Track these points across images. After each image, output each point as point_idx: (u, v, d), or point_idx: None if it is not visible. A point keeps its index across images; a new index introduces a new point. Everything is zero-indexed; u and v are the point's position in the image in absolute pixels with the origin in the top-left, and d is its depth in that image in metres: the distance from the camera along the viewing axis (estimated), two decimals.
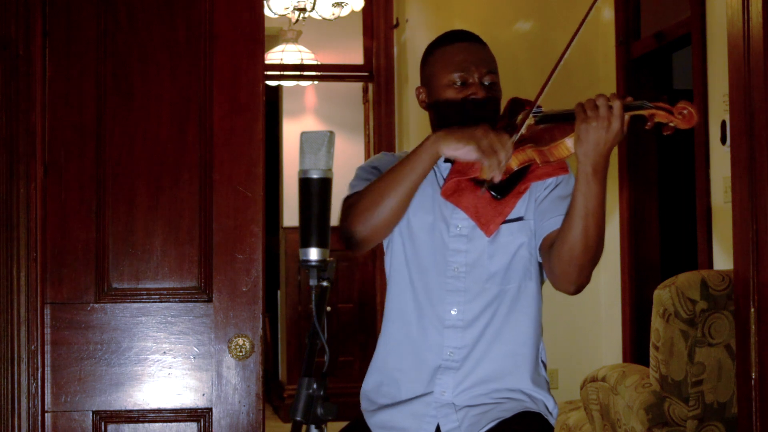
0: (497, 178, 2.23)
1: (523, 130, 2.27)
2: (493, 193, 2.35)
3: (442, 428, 2.35)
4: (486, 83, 2.43)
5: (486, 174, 2.24)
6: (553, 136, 2.24)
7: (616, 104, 2.16)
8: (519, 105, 2.40)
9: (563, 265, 2.28)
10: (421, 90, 2.51)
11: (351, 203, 2.38)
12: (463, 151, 2.23)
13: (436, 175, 2.46)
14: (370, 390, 2.50)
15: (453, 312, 2.38)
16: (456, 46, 2.45)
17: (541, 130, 2.28)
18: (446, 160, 2.43)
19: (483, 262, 2.38)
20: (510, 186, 2.36)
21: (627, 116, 2.18)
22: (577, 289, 2.32)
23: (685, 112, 2.16)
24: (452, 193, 2.39)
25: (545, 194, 2.39)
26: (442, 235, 2.41)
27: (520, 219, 2.38)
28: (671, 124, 2.17)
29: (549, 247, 2.33)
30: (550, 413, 2.40)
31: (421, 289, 2.42)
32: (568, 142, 2.22)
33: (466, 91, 2.41)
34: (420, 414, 2.37)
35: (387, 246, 2.49)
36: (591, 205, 2.21)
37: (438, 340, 2.38)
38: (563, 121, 2.25)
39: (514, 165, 2.28)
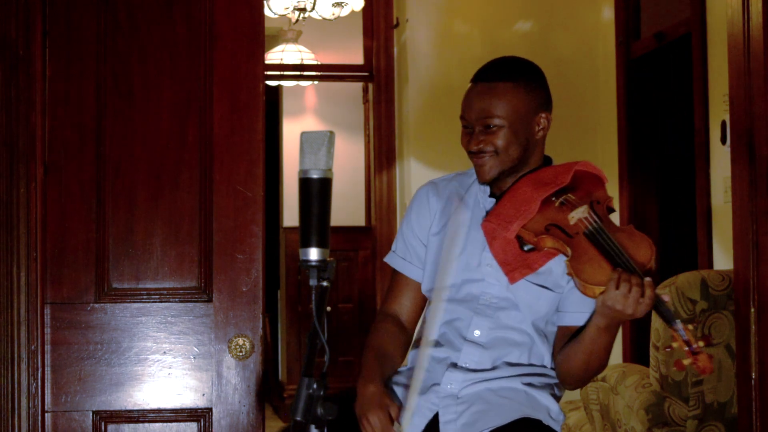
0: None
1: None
2: (524, 248, 2.36)
3: (440, 418, 2.36)
4: (482, 128, 2.41)
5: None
6: (590, 275, 2.24)
7: (648, 295, 2.20)
8: (588, 179, 2.39)
9: (562, 376, 2.40)
10: None
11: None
12: None
13: (480, 206, 2.47)
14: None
15: (476, 333, 2.41)
16: (471, 87, 2.44)
17: (584, 248, 2.27)
18: (491, 195, 2.46)
19: (509, 297, 2.41)
20: None
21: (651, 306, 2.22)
22: (575, 388, 2.46)
23: (701, 361, 2.18)
24: (489, 231, 2.40)
25: None
26: (474, 265, 2.43)
27: (547, 288, 2.40)
28: (684, 361, 2.21)
29: (562, 338, 2.40)
30: (553, 419, 2.40)
31: (452, 311, 2.45)
32: (597, 291, 2.22)
33: (467, 137, 2.42)
34: (423, 400, 2.38)
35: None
36: (597, 348, 2.31)
37: (455, 354, 2.42)
38: (606, 258, 2.24)
39: (549, 245, 2.31)
